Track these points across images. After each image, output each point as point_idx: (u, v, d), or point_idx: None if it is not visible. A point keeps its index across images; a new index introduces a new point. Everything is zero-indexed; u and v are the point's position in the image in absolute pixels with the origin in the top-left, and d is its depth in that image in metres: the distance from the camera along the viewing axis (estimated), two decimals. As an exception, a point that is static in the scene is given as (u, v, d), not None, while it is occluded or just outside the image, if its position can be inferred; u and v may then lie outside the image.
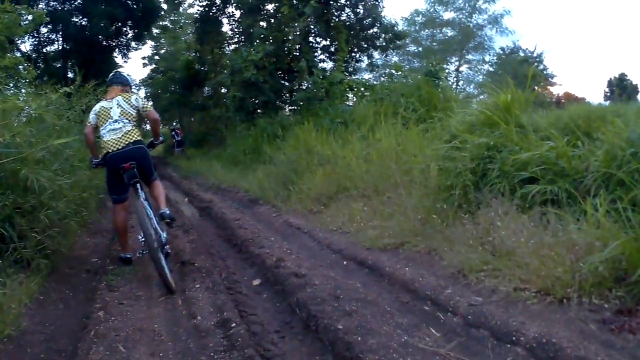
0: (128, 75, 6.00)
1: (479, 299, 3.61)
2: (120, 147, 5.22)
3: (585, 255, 3.39)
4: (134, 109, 5.49)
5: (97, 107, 5.54)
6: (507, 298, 3.54)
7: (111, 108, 5.42)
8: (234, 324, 3.77)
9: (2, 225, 4.57)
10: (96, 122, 5.45)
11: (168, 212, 5.26)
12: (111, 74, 6.02)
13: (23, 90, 10.34)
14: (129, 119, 5.41)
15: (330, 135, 9.82)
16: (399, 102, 10.23)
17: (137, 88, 41.80)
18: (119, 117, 5.36)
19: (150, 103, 5.88)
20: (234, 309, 4.16)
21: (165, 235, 5.19)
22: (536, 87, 6.26)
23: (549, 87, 39.22)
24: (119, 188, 5.36)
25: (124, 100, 5.49)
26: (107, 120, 5.35)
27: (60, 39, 27.93)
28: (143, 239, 5.00)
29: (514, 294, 3.54)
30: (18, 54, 19.39)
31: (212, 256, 6.11)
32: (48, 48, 28.61)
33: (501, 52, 38.00)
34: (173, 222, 5.46)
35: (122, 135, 5.27)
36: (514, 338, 3.00)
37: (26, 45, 26.41)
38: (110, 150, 5.23)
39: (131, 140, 5.29)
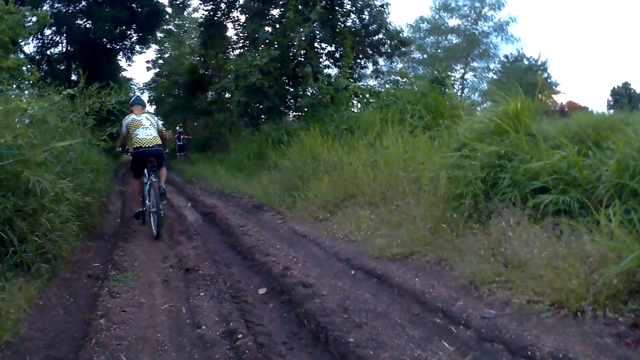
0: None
1: (492, 312, 3.58)
2: (150, 145, 7.71)
3: (599, 267, 3.37)
4: (156, 124, 8.11)
5: (128, 119, 8.01)
6: (520, 311, 3.50)
7: (141, 119, 7.91)
8: (240, 335, 3.70)
9: (2, 228, 4.53)
10: (127, 132, 7.93)
11: (164, 187, 7.74)
12: (133, 97, 8.92)
13: (26, 92, 10.33)
14: (155, 128, 7.96)
15: (336, 142, 9.80)
16: (405, 109, 10.20)
17: (141, 92, 43.14)
18: (149, 126, 7.88)
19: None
20: (240, 318, 4.09)
21: (160, 205, 7.44)
22: (540, 95, 6.22)
23: (553, 96, 39.26)
24: (139, 171, 8.04)
25: (151, 116, 8.20)
26: (138, 127, 7.81)
27: (64, 41, 28.15)
28: (149, 203, 7.67)
29: (528, 307, 3.50)
30: (21, 56, 19.43)
31: (216, 263, 6.05)
32: (52, 50, 28.86)
33: (505, 60, 38.08)
34: (166, 195, 7.92)
35: (152, 138, 7.78)
36: (529, 352, 2.97)
37: (30, 47, 26.61)
38: (142, 146, 7.68)
39: (157, 143, 7.82)
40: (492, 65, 37.44)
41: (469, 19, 34.85)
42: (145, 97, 44.01)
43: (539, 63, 40.08)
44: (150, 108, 43.51)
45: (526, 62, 39.31)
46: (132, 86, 40.95)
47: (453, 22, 35.85)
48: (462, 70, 35.80)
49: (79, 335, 4.05)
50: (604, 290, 3.25)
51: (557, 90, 42.68)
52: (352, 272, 5.20)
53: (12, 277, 4.51)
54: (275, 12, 17.62)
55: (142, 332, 3.96)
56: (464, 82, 35.77)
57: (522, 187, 4.67)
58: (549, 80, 40.96)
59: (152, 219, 7.61)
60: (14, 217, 4.71)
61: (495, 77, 37.56)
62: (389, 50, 17.13)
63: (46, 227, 5.09)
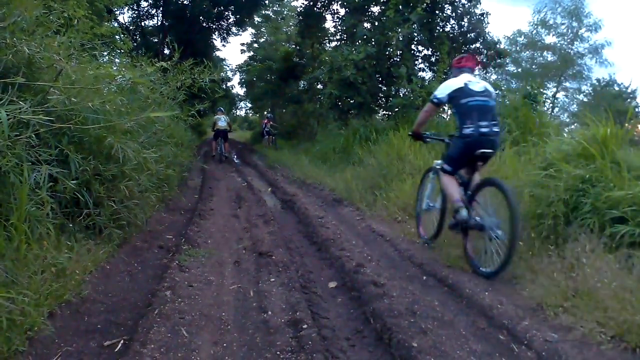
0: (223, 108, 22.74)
1: (555, 336, 3.58)
2: (222, 129, 18.48)
3: (667, 305, 3.36)
4: (228, 120, 18.98)
5: (215, 117, 19.15)
6: (582, 339, 3.51)
7: (220, 117, 18.85)
8: (305, 325, 3.68)
9: (79, 189, 4.56)
10: (215, 122, 18.83)
11: (227, 154, 19.29)
12: (218, 108, 20.88)
13: (117, 60, 10.60)
14: (227, 122, 18.82)
15: (424, 145, 9.60)
16: (495, 121, 10.08)
17: (233, 73, 45.79)
18: (224, 121, 18.70)
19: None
20: (307, 309, 4.07)
21: (225, 153, 18.99)
22: (626, 124, 6.07)
23: (639, 126, 37.77)
24: (216, 138, 18.80)
25: (225, 117, 19.12)
26: (218, 121, 18.68)
27: (160, 14, 28.92)
28: (219, 151, 18.70)
29: (590, 336, 3.50)
30: (115, 25, 20.14)
31: (290, 251, 6.06)
32: (146, 22, 29.86)
33: (596, 83, 36.96)
34: (226, 146, 19.50)
35: (223, 126, 18.57)
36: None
37: (125, 17, 27.70)
38: (219, 129, 18.68)
39: (225, 128, 18.68)
40: (583, 88, 36.69)
41: (566, 38, 34.06)
42: (236, 78, 46.85)
43: (629, 90, 38.46)
44: (240, 90, 48.02)
45: (616, 88, 37.86)
46: (224, 67, 42.08)
47: (550, 39, 35.20)
48: (554, 89, 34.98)
49: (142, 304, 4.13)
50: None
51: (643, 120, 40.83)
52: (424, 277, 5.13)
53: (82, 239, 4.65)
54: (375, 9, 17.54)
55: (206, 309, 4.02)
56: (555, 101, 34.95)
57: (602, 215, 4.65)
58: (636, 110, 39.40)
59: (219, 158, 18.13)
60: (92, 181, 4.84)
61: (585, 99, 36.68)
62: (484, 60, 16.80)
63: (124, 194, 5.25)
